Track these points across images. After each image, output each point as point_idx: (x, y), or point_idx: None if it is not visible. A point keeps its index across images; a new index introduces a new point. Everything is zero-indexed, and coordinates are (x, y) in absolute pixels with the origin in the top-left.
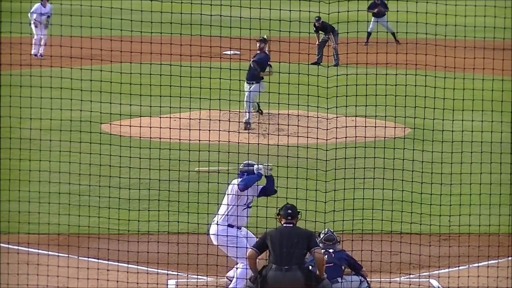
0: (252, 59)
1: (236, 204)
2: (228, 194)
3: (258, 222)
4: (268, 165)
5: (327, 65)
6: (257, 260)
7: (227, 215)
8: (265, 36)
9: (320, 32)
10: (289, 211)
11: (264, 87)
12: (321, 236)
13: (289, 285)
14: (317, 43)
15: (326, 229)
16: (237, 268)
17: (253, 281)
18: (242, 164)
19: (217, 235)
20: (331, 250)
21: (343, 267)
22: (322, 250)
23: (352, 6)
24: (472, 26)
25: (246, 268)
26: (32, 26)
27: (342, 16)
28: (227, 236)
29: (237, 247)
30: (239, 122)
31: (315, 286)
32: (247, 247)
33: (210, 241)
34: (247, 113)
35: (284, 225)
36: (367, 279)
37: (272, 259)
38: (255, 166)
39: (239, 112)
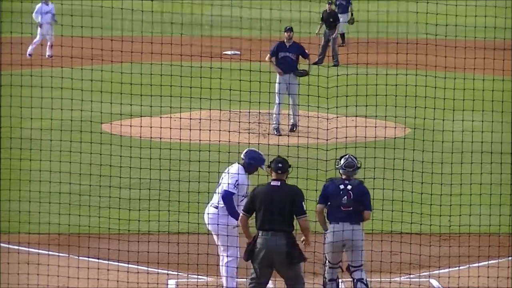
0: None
1: (237, 194)
2: (223, 183)
3: None
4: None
5: (327, 65)
6: (248, 223)
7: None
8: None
9: (326, 26)
10: (279, 164)
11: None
12: (342, 162)
13: (272, 252)
14: (321, 44)
15: (347, 155)
16: (226, 266)
17: (247, 257)
18: (243, 154)
19: (217, 218)
20: (349, 187)
21: (361, 210)
22: (341, 185)
23: (353, 6)
24: (472, 26)
25: (235, 267)
26: (38, 25)
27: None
28: (226, 225)
29: (227, 235)
30: (239, 122)
31: (294, 263)
32: (237, 246)
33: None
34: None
35: (272, 183)
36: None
37: (258, 224)
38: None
39: (240, 112)
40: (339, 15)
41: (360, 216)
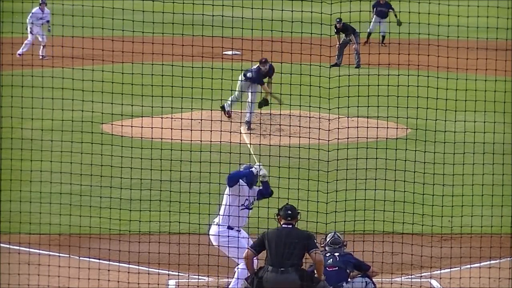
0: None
1: (235, 205)
2: (225, 194)
3: (259, 222)
4: (260, 165)
5: (329, 66)
6: (254, 260)
7: (228, 216)
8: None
9: (340, 33)
10: (289, 212)
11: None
12: (327, 239)
13: (283, 286)
14: (337, 44)
15: (333, 232)
16: (237, 269)
17: (250, 283)
18: (242, 167)
19: (218, 235)
20: (336, 254)
21: (348, 271)
22: (328, 254)
23: (354, 6)
24: (474, 27)
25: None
26: (28, 29)
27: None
28: (228, 237)
29: (238, 248)
30: (240, 122)
31: (312, 286)
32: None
33: (210, 242)
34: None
35: (283, 225)
36: (373, 280)
37: (268, 260)
38: (255, 169)
39: (241, 112)
40: (377, 18)
41: (347, 276)
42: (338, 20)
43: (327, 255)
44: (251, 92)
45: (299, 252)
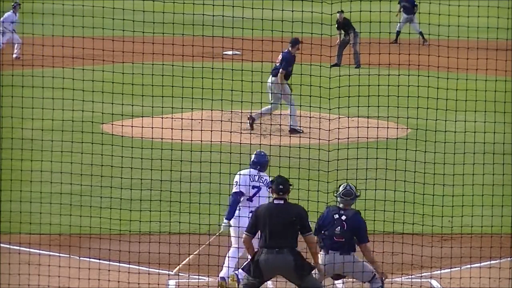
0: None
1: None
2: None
3: None
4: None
5: (329, 66)
6: (252, 242)
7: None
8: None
9: (341, 31)
10: (281, 186)
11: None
12: (340, 190)
13: (279, 268)
14: (337, 42)
15: (346, 183)
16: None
17: (247, 270)
18: (254, 154)
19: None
20: (343, 218)
21: (355, 238)
22: (336, 215)
23: (355, 6)
24: (475, 27)
25: (238, 247)
26: (0, 34)
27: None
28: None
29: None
30: (241, 122)
31: (305, 275)
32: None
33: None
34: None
35: (275, 201)
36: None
37: (262, 241)
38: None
39: (241, 112)
40: (405, 16)
41: (353, 246)
42: (339, 12)
43: (335, 216)
44: (283, 92)
45: (293, 231)
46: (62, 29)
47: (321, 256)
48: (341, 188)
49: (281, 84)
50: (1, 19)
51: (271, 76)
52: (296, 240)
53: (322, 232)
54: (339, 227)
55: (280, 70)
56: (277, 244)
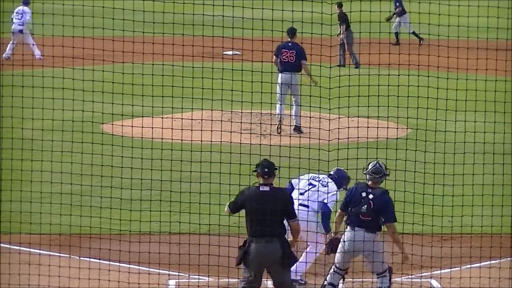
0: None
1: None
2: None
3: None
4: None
5: (329, 66)
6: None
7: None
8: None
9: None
10: (266, 169)
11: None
12: (369, 167)
13: (268, 258)
14: (339, 39)
15: (376, 161)
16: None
17: (239, 261)
18: (333, 171)
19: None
20: (371, 196)
21: (382, 219)
22: (364, 193)
23: (355, 6)
24: (475, 27)
25: (315, 252)
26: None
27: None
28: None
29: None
30: (241, 122)
31: (287, 266)
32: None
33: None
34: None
35: (261, 188)
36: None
37: (250, 230)
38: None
39: (241, 112)
40: (399, 17)
41: (378, 226)
42: (338, 3)
43: (363, 194)
44: (292, 88)
45: (279, 218)
46: (62, 29)
47: (347, 231)
48: (370, 166)
49: (302, 76)
50: (27, 17)
51: (290, 73)
52: (284, 228)
53: (349, 208)
54: (365, 206)
55: (304, 62)
56: (265, 233)
